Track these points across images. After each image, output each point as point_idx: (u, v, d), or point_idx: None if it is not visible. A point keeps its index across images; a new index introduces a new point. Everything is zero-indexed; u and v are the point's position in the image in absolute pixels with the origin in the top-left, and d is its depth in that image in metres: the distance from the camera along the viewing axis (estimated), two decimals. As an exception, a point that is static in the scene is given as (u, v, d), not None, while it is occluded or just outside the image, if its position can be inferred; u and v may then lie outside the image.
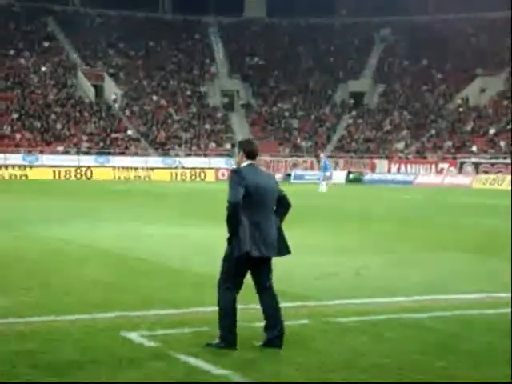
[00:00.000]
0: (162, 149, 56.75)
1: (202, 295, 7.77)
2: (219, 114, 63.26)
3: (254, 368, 5.49)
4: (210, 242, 12.64)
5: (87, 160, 51.53)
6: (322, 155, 42.10)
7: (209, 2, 74.69)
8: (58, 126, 56.18)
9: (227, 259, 6.06)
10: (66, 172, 49.13)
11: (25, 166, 48.95)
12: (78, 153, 52.96)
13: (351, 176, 51.41)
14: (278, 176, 52.52)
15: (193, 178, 51.77)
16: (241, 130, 61.06)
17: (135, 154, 54.64)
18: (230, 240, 6.00)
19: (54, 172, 48.88)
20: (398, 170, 52.12)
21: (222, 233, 6.32)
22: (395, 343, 6.28)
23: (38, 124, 55.75)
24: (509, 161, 47.44)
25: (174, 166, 52.97)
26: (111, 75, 63.67)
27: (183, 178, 51.54)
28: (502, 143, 52.43)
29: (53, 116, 56.87)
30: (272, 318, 6.09)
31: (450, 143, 55.36)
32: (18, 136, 53.93)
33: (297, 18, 73.36)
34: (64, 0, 71.27)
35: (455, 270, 10.74)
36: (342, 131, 61.88)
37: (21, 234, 14.49)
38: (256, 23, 75.11)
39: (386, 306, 7.92)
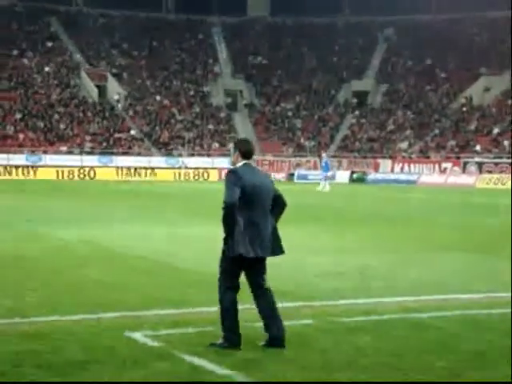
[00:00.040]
0: (165, 149, 56.79)
1: (205, 295, 7.76)
2: (222, 114, 63.27)
3: (258, 368, 5.48)
4: (213, 241, 12.62)
5: (90, 160, 51.60)
6: (323, 155, 42.11)
7: (212, 1, 74.72)
8: (62, 126, 56.23)
9: (224, 259, 6.05)
10: (69, 172, 49.20)
11: (28, 166, 49.03)
12: (81, 153, 53.03)
13: (354, 176, 51.40)
14: (282, 176, 52.61)
15: (196, 177, 51.80)
16: (244, 129, 61.06)
17: (138, 154, 54.69)
18: (226, 240, 6.00)
19: (58, 172, 48.96)
20: (402, 169, 52.09)
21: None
22: (399, 343, 6.27)
23: (42, 124, 55.82)
24: (512, 160, 47.42)
25: (177, 166, 53.01)
26: (114, 75, 63.72)
27: (186, 177, 51.57)
28: (506, 143, 52.36)
29: (56, 116, 56.94)
30: (270, 318, 6.09)
31: (453, 143, 55.30)
32: (21, 136, 54.00)
33: (300, 18, 73.35)
34: (67, 0, 71.32)
35: (458, 270, 10.72)
36: (345, 131, 61.86)
37: (23, 233, 14.50)
38: (259, 23, 75.12)
39: (390, 305, 7.91)
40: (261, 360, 5.67)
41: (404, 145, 57.21)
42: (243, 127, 61.85)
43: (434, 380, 5.34)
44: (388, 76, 67.18)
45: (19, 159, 50.04)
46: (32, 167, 49.09)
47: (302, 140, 60.68)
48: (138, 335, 6.35)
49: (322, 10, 72.29)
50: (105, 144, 55.46)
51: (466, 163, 49.53)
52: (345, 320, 7.07)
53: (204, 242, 13.08)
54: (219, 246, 6.09)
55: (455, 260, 11.84)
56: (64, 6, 70.48)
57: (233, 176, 5.99)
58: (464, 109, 60.01)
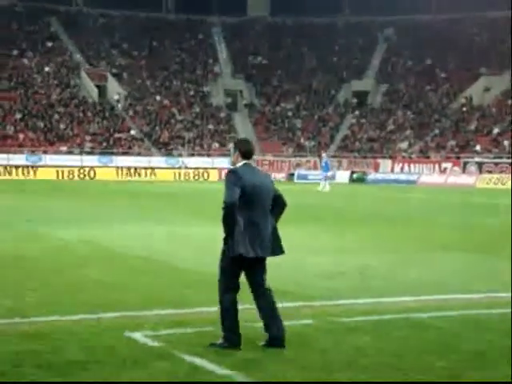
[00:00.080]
0: (165, 149, 56.79)
1: (205, 295, 7.76)
2: (222, 114, 63.27)
3: (258, 368, 5.48)
4: (213, 241, 12.63)
5: (90, 160, 51.60)
6: (323, 155, 42.13)
7: (212, 1, 74.73)
8: (62, 126, 56.24)
9: (224, 259, 6.05)
10: (69, 172, 49.21)
11: (28, 166, 49.03)
12: (81, 153, 53.03)
13: (354, 176, 51.40)
14: (282, 176, 52.61)
15: (196, 177, 51.81)
16: (244, 129, 61.07)
17: (138, 154, 54.70)
18: (226, 240, 5.99)
19: (58, 172, 48.96)
20: (402, 169, 52.09)
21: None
22: (399, 343, 6.27)
23: (42, 124, 55.82)
24: (512, 160, 47.42)
25: (177, 166, 53.01)
26: (114, 75, 63.73)
27: (186, 178, 51.58)
28: (506, 143, 52.37)
29: (56, 116, 56.94)
30: (270, 318, 6.08)
31: (453, 143, 55.31)
32: (21, 136, 54.01)
33: (300, 18, 73.35)
34: (67, 0, 71.32)
35: (458, 270, 10.72)
36: (345, 131, 61.87)
37: (23, 233, 14.50)
38: (259, 23, 75.12)
39: (390, 305, 7.91)
40: (261, 360, 5.67)
41: (404, 145, 57.22)
42: (243, 127, 61.85)
43: (434, 380, 5.34)
44: (388, 76, 67.19)
45: (19, 159, 50.05)
46: (32, 167, 49.10)
47: (302, 140, 60.68)
48: (138, 335, 6.35)
49: (321, 9, 72.29)
50: (105, 144, 55.47)
51: (466, 163, 49.53)
52: (345, 320, 7.07)
53: (204, 242, 13.08)
54: (219, 246, 6.09)
55: (455, 260, 11.84)
56: (64, 6, 70.48)
57: (233, 176, 5.99)
58: (464, 109, 60.02)
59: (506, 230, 15.46)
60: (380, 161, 53.85)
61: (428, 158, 53.45)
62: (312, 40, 71.36)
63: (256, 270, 6.13)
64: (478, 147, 52.89)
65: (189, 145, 57.44)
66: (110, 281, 9.14)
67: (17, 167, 48.71)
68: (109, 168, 50.75)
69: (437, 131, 57.92)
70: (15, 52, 63.10)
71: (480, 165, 48.77)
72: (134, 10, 70.97)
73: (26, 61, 62.42)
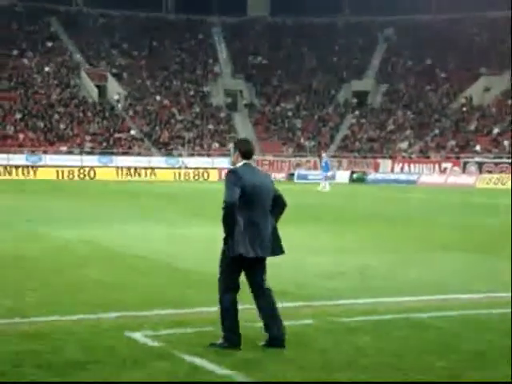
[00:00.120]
0: (165, 149, 56.80)
1: (205, 295, 7.76)
2: (222, 114, 63.27)
3: (258, 368, 5.48)
4: (213, 241, 12.63)
5: (90, 160, 51.61)
6: (323, 155, 42.15)
7: (212, 1, 74.73)
8: (62, 126, 56.25)
9: (224, 259, 6.05)
10: (69, 172, 49.21)
11: (28, 166, 49.03)
12: (81, 153, 53.04)
13: (354, 176, 51.41)
14: (282, 176, 52.61)
15: (196, 177, 51.81)
16: (244, 129, 61.07)
17: (138, 154, 54.70)
18: (226, 240, 5.99)
19: (58, 172, 48.97)
20: (402, 169, 52.10)
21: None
22: (399, 343, 6.27)
23: (42, 124, 55.83)
24: (512, 160, 47.42)
25: (177, 166, 53.01)
26: (114, 75, 63.73)
27: (186, 178, 51.58)
28: (506, 143, 52.37)
29: (56, 116, 56.95)
30: (270, 318, 6.08)
31: (453, 143, 55.31)
32: (21, 136, 54.02)
33: (300, 18, 73.35)
34: (67, 0, 71.33)
35: (458, 270, 10.72)
36: (345, 131, 61.87)
37: (23, 233, 14.50)
38: (259, 23, 75.12)
39: (390, 305, 7.91)
40: (261, 360, 5.67)
41: (404, 145, 57.22)
42: (243, 127, 61.85)
43: (435, 380, 5.34)
44: (388, 76, 67.18)
45: (19, 159, 50.06)
46: (32, 167, 49.09)
47: (302, 140, 60.69)
48: (138, 335, 6.35)
49: (321, 9, 72.30)
50: (105, 144, 55.47)
51: (465, 163, 49.53)
52: (345, 320, 7.07)
53: (204, 242, 13.08)
54: (219, 246, 6.09)
55: (455, 260, 11.84)
56: (64, 6, 70.50)
57: (233, 176, 5.99)
58: (464, 109, 60.02)
59: (506, 230, 15.46)
60: (380, 161, 53.86)
61: (428, 158, 53.46)
62: (312, 40, 71.36)
63: (256, 270, 6.13)
64: (477, 147, 52.89)
65: (189, 145, 57.45)
66: (110, 281, 9.14)
67: (17, 167, 48.70)
68: (109, 168, 50.75)
69: (437, 131, 57.92)
70: (15, 52, 63.12)
71: (480, 165, 48.77)
72: (134, 10, 70.98)
73: (26, 61, 62.42)
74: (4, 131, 54.34)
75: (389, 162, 53.28)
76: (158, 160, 53.78)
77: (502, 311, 7.54)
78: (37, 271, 9.85)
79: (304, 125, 62.70)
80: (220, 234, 6.06)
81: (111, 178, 48.24)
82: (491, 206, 26.74)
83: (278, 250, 6.20)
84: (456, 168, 49.61)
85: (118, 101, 61.16)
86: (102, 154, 53.28)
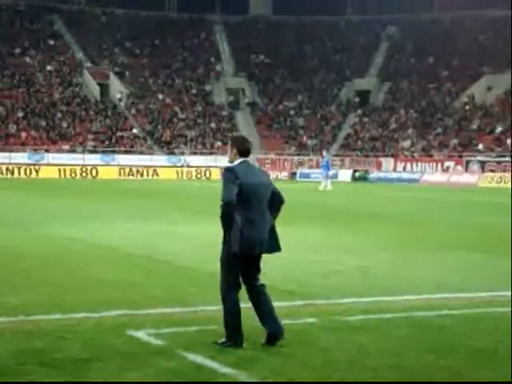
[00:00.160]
0: (168, 147, 56.81)
1: (207, 293, 7.77)
2: (224, 113, 63.28)
3: (261, 366, 5.49)
4: (215, 239, 12.64)
5: (93, 158, 51.66)
6: (324, 154, 42.17)
7: (214, 0, 74.71)
8: (64, 125, 56.28)
9: (224, 257, 6.07)
10: (71, 170, 49.24)
11: (30, 165, 49.06)
12: (83, 151, 53.07)
13: (357, 174, 51.39)
14: (284, 174, 52.62)
15: (198, 176, 51.82)
16: (246, 128, 61.07)
17: (141, 153, 54.72)
18: (224, 238, 6.01)
19: (60, 170, 49.00)
20: (404, 168, 52.07)
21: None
22: (402, 341, 6.28)
23: (44, 123, 55.87)
24: (515, 159, 47.38)
25: (179, 164, 53.02)
26: (117, 74, 63.76)
27: (189, 176, 51.59)
28: (509, 141, 52.32)
29: (58, 115, 56.99)
30: (267, 314, 6.10)
31: (456, 141, 55.28)
32: (23, 135, 54.07)
33: (302, 16, 73.33)
34: (70, -2, 71.46)
35: (461, 269, 10.72)
36: (347, 129, 61.86)
37: (27, 232, 14.52)
38: (261, 21, 75.11)
39: (392, 304, 7.92)
40: (264, 358, 5.68)
41: (406, 143, 57.20)
42: (245, 126, 61.85)
43: (437, 378, 5.34)
44: (390, 75, 67.12)
45: (21, 158, 50.10)
46: (34, 166, 49.12)
47: (304, 139, 60.68)
48: (140, 333, 6.36)
49: (324, 8, 72.28)
50: (107, 143, 55.50)
51: (468, 162, 49.49)
52: (348, 319, 7.08)
53: (206, 240, 13.07)
54: (221, 244, 6.11)
55: (457, 259, 11.84)
56: (66, 5, 70.56)
57: (230, 174, 5.99)
58: (467, 107, 59.98)
59: (508, 229, 15.45)
60: (382, 159, 53.84)
61: (430, 156, 53.42)
62: (314, 39, 71.33)
63: (253, 268, 6.15)
64: (480, 146, 52.86)
65: (191, 143, 57.47)
66: (113, 279, 9.15)
67: (19, 166, 48.73)
68: (111, 166, 50.77)
69: (439, 130, 57.88)
70: (18, 50, 63.16)
71: (482, 163, 48.72)
72: (137, 9, 71.01)
73: (28, 59, 62.46)
74: (6, 130, 54.38)
75: (391, 161, 53.26)
76: (160, 158, 53.80)
77: (504, 310, 7.55)
78: (40, 270, 9.86)
79: (306, 123, 62.69)
80: (221, 231, 6.07)
81: (113, 177, 48.27)
82: (493, 204, 26.72)
83: (275, 247, 6.21)
84: (458, 167, 49.58)
85: (120, 99, 61.18)
86: (104, 152, 53.32)
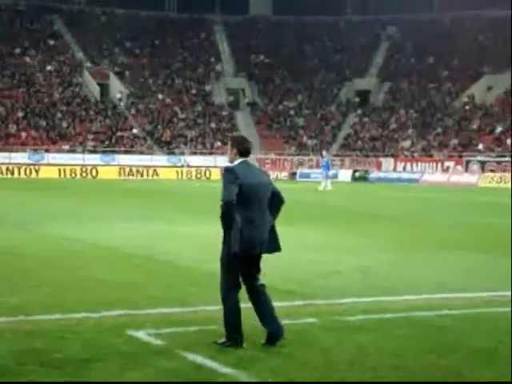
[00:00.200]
0: (168, 147, 56.81)
1: (207, 293, 7.77)
2: (224, 113, 63.29)
3: (261, 366, 5.49)
4: (215, 240, 12.64)
5: (93, 158, 51.67)
6: (324, 154, 42.17)
7: (214, 0, 74.72)
8: (64, 125, 56.29)
9: (224, 258, 6.07)
10: (71, 170, 49.25)
11: (30, 165, 49.06)
12: (83, 151, 53.07)
13: (357, 174, 51.40)
14: (284, 174, 52.61)
15: (198, 176, 51.82)
16: (246, 128, 61.07)
17: (141, 153, 54.73)
18: (224, 238, 6.01)
19: (60, 170, 49.00)
20: (404, 168, 52.08)
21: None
22: (402, 341, 6.28)
23: (44, 123, 55.87)
24: (515, 159, 47.39)
25: (179, 164, 53.02)
26: (117, 74, 63.77)
27: (188, 176, 51.59)
28: (509, 141, 52.33)
29: (58, 115, 56.99)
30: (267, 314, 6.10)
31: (456, 141, 55.29)
32: (23, 135, 54.07)
33: (302, 16, 73.34)
34: (70, -2, 71.47)
35: (460, 269, 10.72)
36: (347, 129, 61.87)
37: (27, 232, 14.52)
38: (261, 21, 75.12)
39: (392, 304, 7.92)
40: (264, 358, 5.68)
41: (406, 143, 57.20)
42: (245, 126, 61.86)
43: (438, 378, 5.34)
44: (390, 75, 67.12)
45: (21, 158, 50.09)
46: (34, 166, 49.12)
47: (304, 139, 60.69)
48: (140, 333, 6.37)
49: (324, 8, 72.28)
50: (107, 143, 55.51)
51: (468, 162, 49.49)
52: (348, 319, 7.08)
53: (206, 240, 13.08)
54: (221, 244, 6.11)
55: (458, 259, 11.84)
56: (66, 5, 70.56)
57: (230, 174, 5.99)
58: (467, 107, 59.98)
59: (508, 229, 15.45)
60: (382, 159, 53.84)
61: (430, 156, 53.43)
62: (314, 39, 71.33)
63: (253, 268, 6.15)
64: (480, 146, 52.87)
65: (191, 143, 57.47)
66: (113, 279, 9.15)
67: (19, 166, 48.72)
68: (111, 167, 50.78)
69: (439, 130, 57.89)
70: (18, 50, 63.17)
71: (482, 163, 48.73)
72: (137, 9, 71.01)
73: (28, 59, 62.47)
74: (6, 130, 54.39)
75: (391, 161, 53.27)
76: (160, 159, 53.80)
77: (504, 310, 7.55)
78: (40, 270, 9.87)
79: (306, 123, 62.69)
80: (221, 232, 6.07)
81: (113, 177, 48.28)
82: (493, 204, 26.72)
83: (275, 247, 6.22)
84: (458, 167, 49.58)
85: (120, 99, 61.19)
86: (104, 152, 53.32)
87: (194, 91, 64.74)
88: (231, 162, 6.18)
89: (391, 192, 35.34)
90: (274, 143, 59.45)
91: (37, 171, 48.51)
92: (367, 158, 55.16)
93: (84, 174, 49.27)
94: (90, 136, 55.72)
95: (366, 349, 6.00)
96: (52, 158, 50.86)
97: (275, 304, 6.26)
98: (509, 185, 42.95)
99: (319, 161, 52.25)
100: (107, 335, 6.29)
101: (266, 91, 66.98)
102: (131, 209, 21.34)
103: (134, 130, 57.91)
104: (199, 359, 5.61)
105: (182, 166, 52.56)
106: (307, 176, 51.69)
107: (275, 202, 6.23)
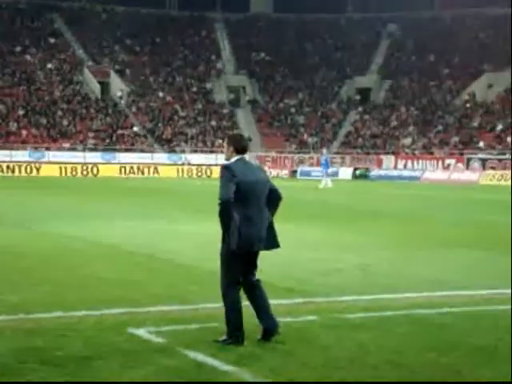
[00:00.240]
0: (168, 145, 56.80)
1: (208, 291, 7.78)
2: (225, 111, 63.26)
3: (262, 364, 5.50)
4: (216, 238, 12.64)
5: (93, 156, 51.65)
6: (324, 151, 42.15)
7: (215, -2, 74.75)
8: (64, 123, 56.28)
9: (223, 255, 6.08)
10: (72, 169, 49.24)
11: (31, 163, 49.06)
12: (84, 149, 53.06)
13: (357, 172, 51.38)
14: (284, 172, 52.60)
15: (199, 174, 51.82)
16: (247, 126, 61.07)
17: (141, 151, 54.72)
18: (223, 236, 6.02)
19: (61, 168, 49.00)
20: (405, 165, 52.06)
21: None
22: (403, 339, 6.28)
23: (44, 121, 55.86)
24: (516, 156, 47.38)
25: (180, 162, 53.02)
26: (117, 72, 63.74)
27: (189, 174, 51.59)
28: (509, 139, 52.30)
29: (59, 113, 56.98)
30: (264, 309, 6.12)
31: (456, 139, 55.26)
32: (24, 133, 54.06)
33: (303, 14, 73.29)
34: (70, -4, 71.43)
35: (461, 266, 10.72)
36: (348, 127, 61.84)
37: (28, 230, 14.53)
38: (262, 19, 75.06)
39: (392, 302, 7.93)
40: (265, 356, 5.68)
41: (407, 141, 57.18)
42: (246, 124, 61.84)
43: (438, 377, 5.34)
44: (391, 72, 67.07)
45: (22, 156, 50.08)
46: (35, 164, 49.12)
47: (305, 136, 60.66)
48: (141, 331, 6.37)
49: (325, 6, 72.24)
50: (108, 141, 55.49)
51: (469, 159, 49.47)
52: (348, 316, 7.08)
53: (207, 238, 13.08)
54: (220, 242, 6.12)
55: (458, 256, 11.84)
56: (67, 3, 70.52)
57: (227, 172, 5.99)
58: (467, 105, 59.94)
59: (508, 227, 15.45)
60: (383, 157, 53.82)
61: (431, 154, 53.41)
62: (315, 36, 71.27)
63: (251, 264, 6.16)
64: (481, 143, 52.84)
65: (192, 141, 57.45)
66: (113, 277, 9.16)
67: (20, 164, 48.73)
68: (112, 165, 50.78)
69: (440, 127, 57.86)
70: (18, 48, 63.14)
71: (483, 161, 48.71)
72: (137, 6, 70.96)
73: (28, 57, 62.45)
74: (7, 128, 54.38)
75: (392, 159, 53.24)
76: (160, 156, 53.79)
77: (504, 308, 7.55)
78: (40, 268, 9.87)
79: (307, 121, 62.66)
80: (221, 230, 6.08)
81: (114, 175, 48.28)
82: (494, 202, 26.71)
83: (273, 243, 6.23)
84: (459, 164, 49.57)
85: (120, 97, 61.17)
86: (104, 150, 53.31)
87: (194, 89, 64.71)
88: (228, 159, 6.19)
89: (392, 190, 35.33)
90: (274, 141, 59.43)
91: (37, 169, 48.51)
92: (368, 155, 55.14)
93: (85, 172, 49.27)
94: (91, 134, 55.71)
95: (367, 346, 6.00)
96: (53, 156, 50.85)
97: (276, 301, 6.27)
98: (509, 182, 42.92)
99: (320, 159, 52.28)
100: (108, 333, 6.29)
101: (267, 89, 66.95)
102: (132, 207, 21.34)
103: (135, 128, 57.90)
104: (200, 357, 5.62)
105: (183, 164, 52.55)
106: (308, 174, 51.68)
107: (273, 198, 6.24)
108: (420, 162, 51.75)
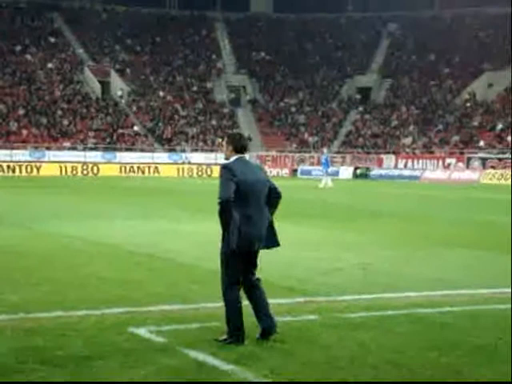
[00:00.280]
0: (169, 145, 56.80)
1: (209, 290, 7.78)
2: (226, 110, 63.25)
3: (262, 363, 5.49)
4: (217, 237, 12.63)
5: (94, 156, 51.65)
6: (324, 151, 42.14)
7: (215, -3, 74.76)
8: (65, 122, 56.27)
9: (223, 255, 6.08)
10: (72, 168, 49.23)
11: (31, 162, 49.06)
12: (84, 149, 53.06)
13: (358, 171, 51.38)
14: (285, 171, 52.61)
15: (199, 173, 51.82)
16: (247, 125, 61.06)
17: (142, 150, 54.72)
18: (223, 235, 6.03)
19: (61, 168, 48.99)
20: (405, 165, 52.04)
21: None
22: (404, 338, 6.28)
23: (45, 120, 55.85)
24: (516, 156, 47.36)
25: (180, 161, 53.01)
26: (117, 71, 63.73)
27: (190, 173, 51.60)
28: (509, 138, 52.29)
29: (59, 112, 56.96)
30: (262, 309, 6.13)
31: (457, 138, 55.25)
32: (24, 132, 54.05)
33: (303, 14, 73.28)
34: (70, -4, 71.41)
35: (462, 266, 10.72)
36: (349, 126, 61.82)
37: (28, 230, 14.52)
38: (263, 18, 75.06)
39: (393, 301, 7.92)
40: (265, 355, 5.68)
41: (408, 140, 57.16)
42: (246, 123, 61.83)
43: (439, 376, 5.34)
44: (391, 72, 67.06)
45: (22, 155, 50.08)
46: (35, 163, 49.12)
47: (305, 136, 60.66)
48: (142, 331, 6.37)
49: (325, 5, 72.22)
50: (108, 140, 55.48)
51: (469, 159, 49.46)
52: (349, 316, 7.08)
53: (208, 238, 13.07)
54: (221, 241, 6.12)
55: (459, 256, 11.84)
56: (67, 2, 70.50)
57: (227, 171, 6.00)
58: (468, 104, 59.93)
59: (509, 226, 15.45)
60: (383, 156, 53.80)
61: (432, 153, 53.40)
62: (315, 36, 71.25)
63: (251, 263, 6.17)
64: (481, 143, 52.83)
65: (192, 140, 57.44)
66: (114, 277, 9.15)
67: (20, 163, 48.72)
68: (112, 164, 50.78)
69: (440, 127, 57.85)
70: (18, 48, 63.12)
71: (484, 160, 48.69)
72: (137, 6, 70.96)
73: (29, 57, 62.43)
74: (7, 127, 54.38)
75: (392, 158, 53.23)
76: (161, 156, 53.79)
77: (505, 307, 7.55)
78: (41, 267, 9.87)
79: (307, 120, 62.65)
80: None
81: (115, 174, 48.28)
82: (495, 201, 26.70)
83: (273, 242, 6.23)
84: (460, 163, 49.56)
85: (121, 97, 61.16)
86: (105, 149, 53.31)
87: (195, 88, 64.70)
88: (227, 158, 6.18)
89: (392, 189, 35.33)
90: (275, 140, 59.42)
91: (38, 169, 48.50)
92: (368, 155, 55.13)
93: (85, 172, 49.27)
94: (91, 133, 55.70)
95: (367, 346, 6.00)
96: (53, 155, 50.84)
97: (276, 301, 6.27)
98: (509, 181, 42.91)
99: (320, 158, 52.28)
100: (108, 332, 6.29)
101: (267, 88, 66.94)
102: (133, 206, 21.33)
103: (135, 128, 57.89)
104: (201, 356, 5.62)
105: (184, 163, 52.55)
106: (308, 173, 51.69)
107: (272, 197, 6.24)
108: (420, 161, 51.74)
